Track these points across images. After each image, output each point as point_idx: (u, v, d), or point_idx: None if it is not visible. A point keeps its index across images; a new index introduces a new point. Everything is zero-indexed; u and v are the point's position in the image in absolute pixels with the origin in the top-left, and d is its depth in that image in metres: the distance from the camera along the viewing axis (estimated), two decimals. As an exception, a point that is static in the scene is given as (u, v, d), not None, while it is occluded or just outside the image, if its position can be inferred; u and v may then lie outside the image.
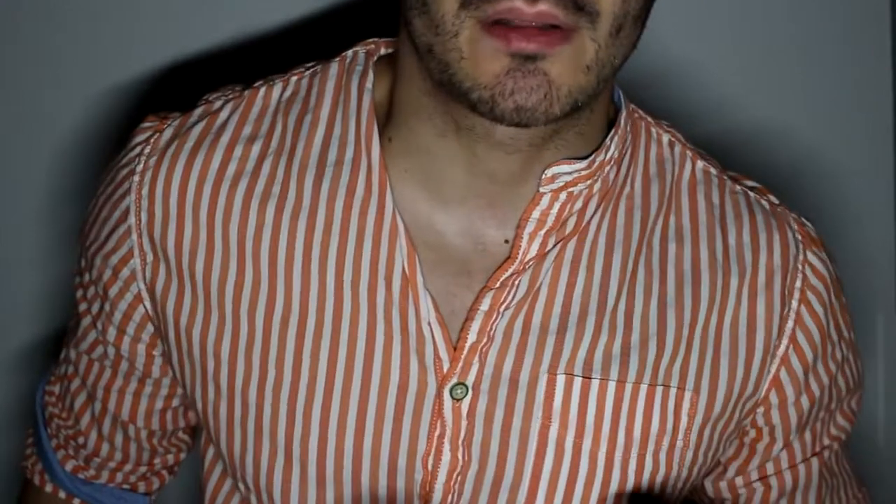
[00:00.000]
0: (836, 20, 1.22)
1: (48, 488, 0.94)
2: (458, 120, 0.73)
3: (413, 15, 0.69)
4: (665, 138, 0.84)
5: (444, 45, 0.67)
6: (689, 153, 0.84)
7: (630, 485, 0.78)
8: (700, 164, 0.84)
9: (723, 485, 0.87)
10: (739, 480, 0.86)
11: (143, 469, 0.94)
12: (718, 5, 1.20)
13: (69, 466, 0.93)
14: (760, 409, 0.83)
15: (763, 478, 0.86)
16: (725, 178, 0.85)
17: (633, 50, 0.71)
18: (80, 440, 0.92)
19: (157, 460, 0.94)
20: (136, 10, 1.08)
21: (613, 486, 0.78)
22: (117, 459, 0.92)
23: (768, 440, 0.84)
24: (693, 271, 0.80)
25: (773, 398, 0.82)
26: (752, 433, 0.84)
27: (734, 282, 0.80)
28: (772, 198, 0.85)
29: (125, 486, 0.95)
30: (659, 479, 0.79)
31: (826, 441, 0.87)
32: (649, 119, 0.84)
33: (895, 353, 1.31)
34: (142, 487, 0.95)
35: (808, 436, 0.85)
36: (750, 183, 0.86)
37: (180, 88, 0.88)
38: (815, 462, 0.86)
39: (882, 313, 1.30)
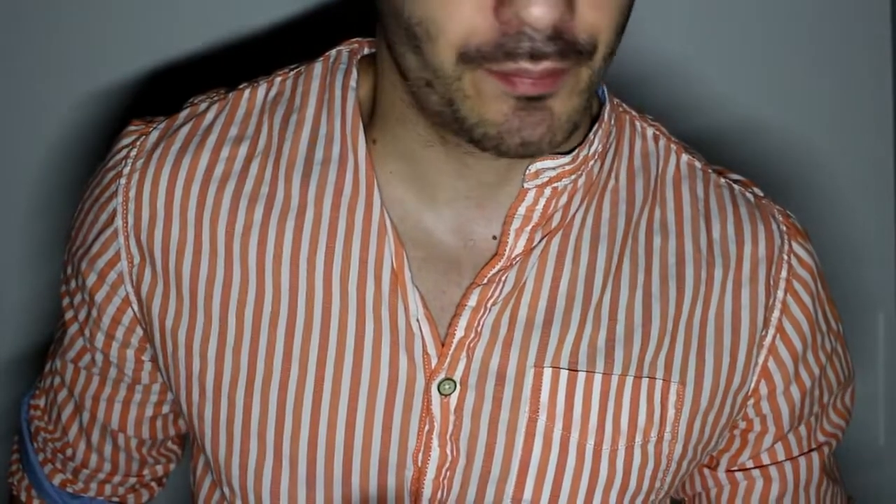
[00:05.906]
0: (836, 20, 1.22)
1: (35, 503, 0.93)
2: (445, 136, 0.73)
3: (405, 50, 0.68)
4: (650, 132, 0.84)
5: (446, 86, 0.67)
6: (673, 147, 0.84)
7: (619, 477, 0.78)
8: (685, 157, 0.84)
9: (720, 475, 0.86)
10: (737, 472, 0.85)
11: (132, 480, 0.93)
12: (719, 4, 1.20)
13: (57, 480, 0.92)
14: (751, 401, 0.82)
15: (760, 467, 0.85)
16: (710, 171, 0.85)
17: None
18: (69, 452, 0.91)
19: (146, 471, 0.93)
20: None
21: (602, 479, 0.78)
22: (106, 470, 0.91)
23: (759, 429, 0.84)
24: (678, 264, 0.80)
25: (763, 388, 0.82)
26: (743, 424, 0.84)
27: (718, 274, 0.81)
28: (756, 190, 0.85)
29: (114, 499, 0.94)
30: (648, 472, 0.79)
31: (821, 437, 0.86)
32: (633, 113, 0.84)
33: (895, 354, 1.30)
34: (131, 500, 0.94)
35: (802, 430, 0.85)
36: (734, 176, 0.86)
37: (163, 94, 0.87)
38: (815, 458, 0.85)
39: (882, 313, 1.30)
